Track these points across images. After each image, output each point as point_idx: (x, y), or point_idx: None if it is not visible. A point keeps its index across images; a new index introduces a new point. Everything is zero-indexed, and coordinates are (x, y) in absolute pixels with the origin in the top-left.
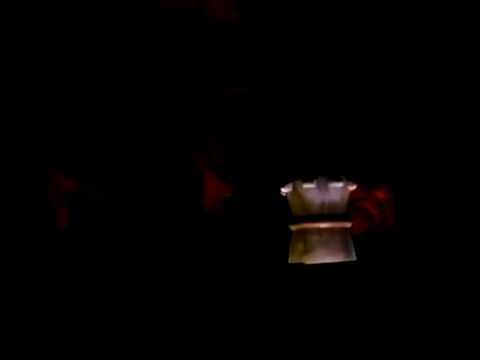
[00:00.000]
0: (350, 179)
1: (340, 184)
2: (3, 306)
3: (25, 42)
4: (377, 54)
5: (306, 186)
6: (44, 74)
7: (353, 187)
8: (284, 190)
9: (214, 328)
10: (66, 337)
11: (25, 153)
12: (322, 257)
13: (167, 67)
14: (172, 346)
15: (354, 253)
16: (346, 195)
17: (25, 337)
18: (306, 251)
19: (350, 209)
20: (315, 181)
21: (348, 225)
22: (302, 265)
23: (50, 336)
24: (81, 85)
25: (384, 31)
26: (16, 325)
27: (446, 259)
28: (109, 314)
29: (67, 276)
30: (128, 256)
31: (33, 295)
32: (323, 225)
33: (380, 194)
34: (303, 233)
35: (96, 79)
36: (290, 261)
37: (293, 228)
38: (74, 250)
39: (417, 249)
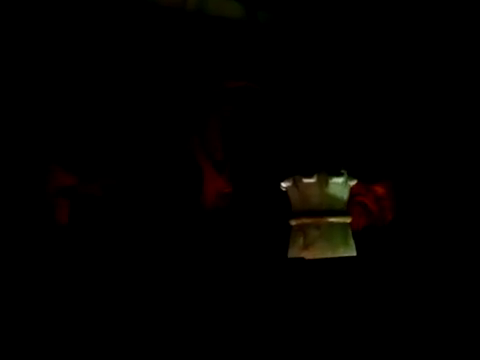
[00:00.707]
0: (350, 174)
1: (340, 179)
2: (2, 299)
3: (22, 39)
4: (376, 51)
5: (306, 181)
6: (43, 70)
7: (353, 182)
8: (284, 185)
9: (215, 321)
10: (63, 329)
11: (26, 149)
12: (322, 252)
13: (168, 64)
14: (172, 338)
15: (354, 248)
16: (346, 190)
17: (22, 328)
18: (306, 246)
19: (350, 204)
20: (315, 176)
21: (348, 220)
22: (302, 260)
23: (47, 328)
24: (81, 82)
25: (384, 29)
26: (14, 317)
27: (445, 254)
28: (108, 307)
29: (66, 270)
30: (128, 251)
31: (33, 289)
32: (323, 220)
33: (379, 189)
34: (303, 228)
35: (96, 76)
36: (290, 255)
37: (293, 223)
38: (74, 245)
39: (416, 244)
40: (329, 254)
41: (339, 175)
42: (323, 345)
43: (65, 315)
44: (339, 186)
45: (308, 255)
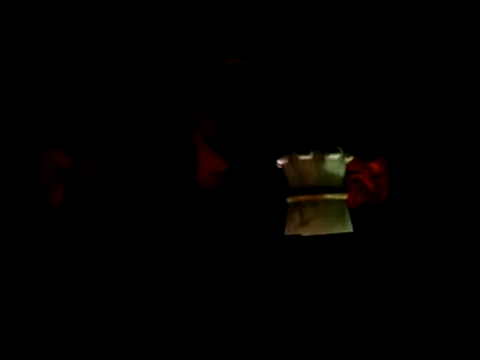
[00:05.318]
0: (346, 151)
1: (336, 156)
2: None
3: (11, 21)
4: (373, 28)
5: (302, 158)
6: (35, 51)
7: (349, 159)
8: (280, 162)
9: (210, 300)
10: (58, 311)
11: (19, 130)
12: (319, 229)
13: (162, 41)
14: (165, 314)
15: (351, 225)
16: (342, 167)
17: (17, 311)
18: (303, 223)
19: (346, 181)
20: (311, 153)
21: (344, 197)
22: (299, 237)
23: (42, 310)
24: (72, 62)
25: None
26: (9, 301)
27: (440, 232)
28: (103, 289)
29: (61, 253)
30: (123, 231)
31: (28, 273)
32: (320, 197)
33: (375, 166)
34: (300, 205)
35: (89, 55)
36: (287, 233)
37: (289, 200)
38: (68, 226)
39: (412, 221)
40: (326, 231)
41: (335, 152)
42: (319, 322)
43: (61, 298)
44: (335, 163)
45: (305, 232)
